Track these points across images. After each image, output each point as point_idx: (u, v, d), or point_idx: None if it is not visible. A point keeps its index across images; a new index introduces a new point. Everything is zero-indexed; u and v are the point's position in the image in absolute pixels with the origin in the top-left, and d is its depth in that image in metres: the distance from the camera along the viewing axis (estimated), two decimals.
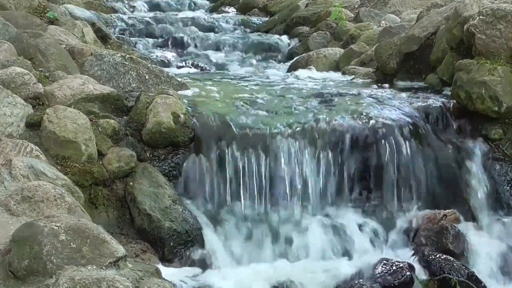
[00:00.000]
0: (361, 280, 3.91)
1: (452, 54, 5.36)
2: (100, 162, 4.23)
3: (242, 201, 4.43)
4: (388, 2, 9.15)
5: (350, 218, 4.53)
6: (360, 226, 4.50)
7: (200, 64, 7.73)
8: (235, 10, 11.49)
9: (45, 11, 6.96)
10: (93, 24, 7.45)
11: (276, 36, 9.13)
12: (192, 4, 11.89)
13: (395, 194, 4.65)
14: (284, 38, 8.96)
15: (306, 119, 4.75)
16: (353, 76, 6.35)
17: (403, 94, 5.36)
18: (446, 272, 4.02)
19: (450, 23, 5.44)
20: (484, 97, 4.76)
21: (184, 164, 4.44)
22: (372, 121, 4.77)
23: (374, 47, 6.45)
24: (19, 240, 2.73)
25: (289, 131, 4.62)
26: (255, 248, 4.28)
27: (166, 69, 5.96)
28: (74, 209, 3.28)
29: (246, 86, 5.79)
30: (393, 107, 5.00)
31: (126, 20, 9.44)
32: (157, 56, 7.77)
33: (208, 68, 7.67)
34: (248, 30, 9.74)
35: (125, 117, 4.60)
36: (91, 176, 4.12)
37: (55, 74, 4.88)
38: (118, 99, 4.69)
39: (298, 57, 7.70)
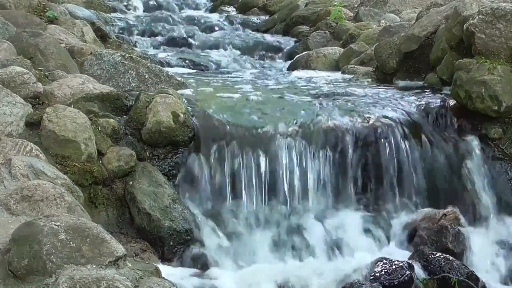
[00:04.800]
0: (361, 279, 3.90)
1: (452, 54, 5.36)
2: (100, 162, 4.23)
3: (242, 200, 4.43)
4: (388, 1, 9.15)
5: (349, 217, 4.53)
6: (359, 225, 4.50)
7: (199, 63, 7.73)
8: (235, 10, 11.48)
9: (45, 10, 6.96)
10: (92, 23, 7.46)
11: (276, 35, 9.13)
12: (192, 4, 11.89)
13: (395, 193, 4.65)
14: (284, 37, 8.96)
15: (306, 118, 4.75)
16: (352, 76, 6.36)
17: (403, 94, 5.37)
18: (446, 271, 4.01)
19: (449, 23, 5.44)
20: (484, 96, 4.76)
21: (184, 163, 4.44)
22: (371, 120, 4.77)
23: (374, 46, 6.45)
24: (19, 239, 2.73)
25: (289, 130, 4.62)
26: (255, 247, 4.28)
27: (165, 68, 5.97)
28: (74, 208, 3.28)
29: (246, 85, 5.79)
30: (392, 106, 5.00)
31: (126, 19, 9.44)
32: (156, 55, 7.76)
33: (207, 68, 7.66)
34: (247, 29, 9.74)
35: (124, 116, 4.60)
36: (90, 175, 4.12)
37: (54, 73, 4.88)
38: (118, 98, 4.69)
39: (297, 56, 7.69)
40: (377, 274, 3.94)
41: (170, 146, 4.49)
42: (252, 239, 4.31)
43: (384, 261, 4.03)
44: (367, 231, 4.49)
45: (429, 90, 5.50)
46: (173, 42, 8.65)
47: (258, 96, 5.25)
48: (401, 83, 5.89)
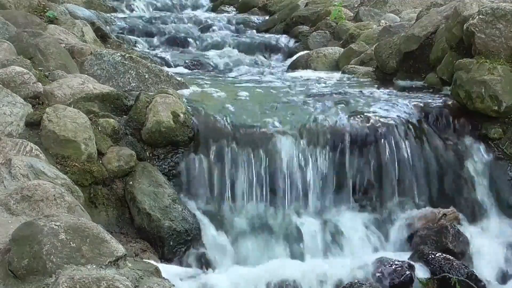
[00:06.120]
0: (361, 279, 3.90)
1: (452, 54, 5.36)
2: (100, 161, 4.23)
3: (242, 200, 4.44)
4: (388, 1, 9.14)
5: (349, 217, 4.53)
6: (359, 225, 4.50)
7: (199, 63, 7.72)
8: (235, 10, 11.48)
9: (45, 10, 6.96)
10: (92, 23, 7.46)
11: (276, 35, 9.13)
12: (192, 3, 11.88)
13: (394, 193, 4.65)
14: (284, 37, 8.96)
15: (306, 118, 4.75)
16: (352, 75, 6.36)
17: (403, 94, 5.37)
18: (446, 271, 4.02)
19: (449, 23, 5.44)
20: (484, 96, 4.76)
21: (184, 163, 4.44)
22: (371, 120, 4.77)
23: (374, 46, 6.45)
24: (19, 239, 2.73)
25: (289, 130, 4.62)
26: (254, 247, 4.28)
27: (165, 68, 5.97)
28: (74, 208, 3.28)
29: (246, 85, 5.79)
30: (392, 106, 5.00)
31: (126, 19, 9.44)
32: (156, 55, 7.76)
33: (207, 68, 7.66)
34: (247, 29, 9.73)
35: (124, 116, 4.60)
36: (90, 175, 4.12)
37: (54, 73, 4.88)
38: (118, 98, 4.69)
39: (297, 56, 7.69)
40: (378, 274, 3.94)
41: (170, 146, 4.49)
42: (252, 239, 4.31)
43: (385, 261, 4.03)
44: (367, 231, 4.48)
45: (429, 90, 5.50)
46: (173, 42, 8.65)
47: (258, 96, 5.25)
48: (401, 83, 5.90)
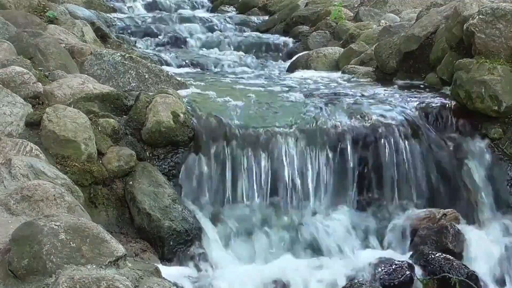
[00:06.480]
0: (361, 279, 3.91)
1: (452, 53, 5.36)
2: (100, 161, 4.23)
3: (242, 200, 4.44)
4: (388, 1, 9.14)
5: (349, 217, 4.53)
6: (359, 225, 4.50)
7: (199, 63, 7.72)
8: (235, 10, 11.48)
9: (45, 10, 6.96)
10: (92, 23, 7.46)
11: (276, 35, 9.13)
12: (192, 3, 11.88)
13: (394, 193, 4.65)
14: (284, 37, 8.96)
15: (306, 118, 4.75)
16: (352, 75, 6.35)
17: (403, 93, 5.37)
18: (446, 271, 4.02)
19: (449, 23, 5.45)
20: (484, 96, 4.77)
21: (184, 163, 4.44)
22: (371, 121, 4.77)
23: (374, 46, 6.45)
24: (19, 239, 2.73)
25: (289, 130, 4.62)
26: (254, 247, 4.28)
27: (165, 68, 5.97)
28: (74, 208, 3.28)
29: (246, 85, 5.79)
30: (392, 106, 5.00)
31: (126, 19, 9.44)
32: (156, 55, 7.76)
33: (207, 68, 7.66)
34: (247, 29, 9.74)
35: (124, 116, 4.60)
36: (90, 175, 4.12)
37: (54, 73, 4.88)
38: (118, 98, 4.69)
39: (297, 56, 7.68)
40: (377, 274, 3.94)
41: (170, 146, 4.49)
42: (251, 239, 4.31)
43: (384, 261, 4.03)
44: (367, 231, 4.49)
45: (429, 90, 5.50)
46: (173, 42, 8.65)
47: (258, 96, 5.25)
48: (401, 83, 5.90)
